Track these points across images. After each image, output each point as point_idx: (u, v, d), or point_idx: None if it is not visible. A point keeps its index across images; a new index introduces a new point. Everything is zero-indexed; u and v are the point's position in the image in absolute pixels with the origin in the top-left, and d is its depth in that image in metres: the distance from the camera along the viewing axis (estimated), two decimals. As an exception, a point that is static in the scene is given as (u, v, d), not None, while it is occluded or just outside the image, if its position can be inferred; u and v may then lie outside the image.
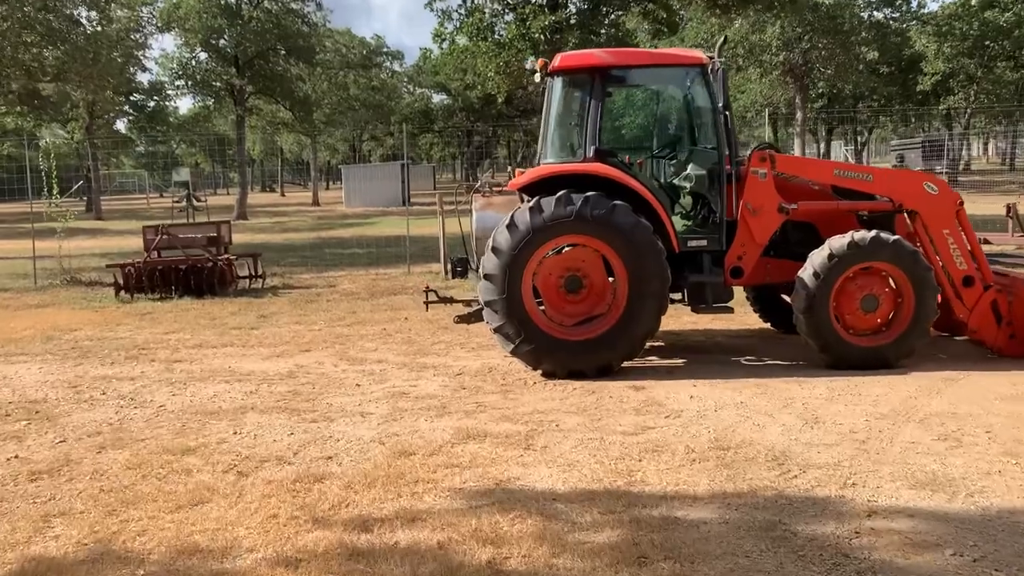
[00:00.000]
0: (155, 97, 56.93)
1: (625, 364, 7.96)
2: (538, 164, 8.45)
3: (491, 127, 59.99)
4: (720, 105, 7.97)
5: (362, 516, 4.70)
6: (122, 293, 14.02)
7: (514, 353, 7.87)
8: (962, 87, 48.65)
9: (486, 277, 7.78)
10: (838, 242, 7.73)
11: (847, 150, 66.12)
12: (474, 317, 8.68)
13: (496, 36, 22.52)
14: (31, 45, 24.47)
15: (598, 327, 7.83)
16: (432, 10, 23.65)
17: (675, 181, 8.41)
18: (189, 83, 44.47)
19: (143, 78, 51.87)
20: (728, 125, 8.00)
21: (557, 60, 8.09)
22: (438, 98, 68.44)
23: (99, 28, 32.25)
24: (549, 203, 7.64)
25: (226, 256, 14.71)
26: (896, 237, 7.80)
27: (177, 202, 35.37)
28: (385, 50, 64.99)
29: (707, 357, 8.62)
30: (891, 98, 50.40)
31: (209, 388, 7.97)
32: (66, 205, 18.94)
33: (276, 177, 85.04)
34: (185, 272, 14.16)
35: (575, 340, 7.80)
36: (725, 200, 8.07)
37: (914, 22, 47.45)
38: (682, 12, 29.91)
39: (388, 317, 11.62)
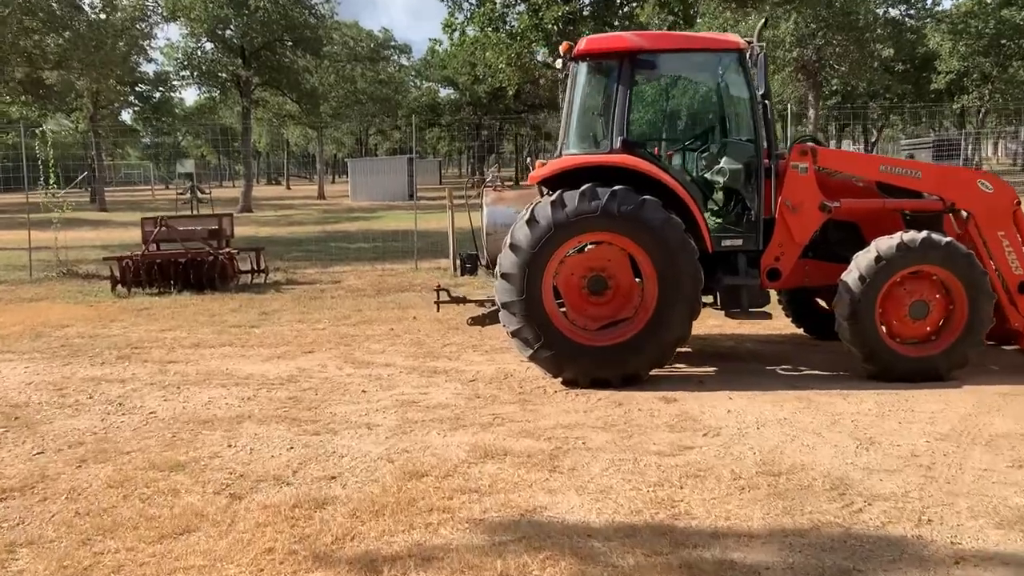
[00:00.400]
0: (160, 88, 56.48)
1: (652, 372, 7.36)
2: (559, 156, 7.85)
3: (498, 122, 59.36)
4: (759, 94, 7.36)
5: (369, 553, 4.12)
6: (119, 287, 13.45)
7: (533, 359, 7.28)
8: (976, 86, 47.86)
9: (503, 276, 7.19)
10: (886, 243, 7.12)
11: (855, 148, 65.33)
12: (488, 319, 8.08)
13: (508, 27, 21.91)
14: (32, 31, 23.90)
15: (624, 332, 7.24)
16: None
17: (707, 175, 7.79)
18: (194, 74, 43.91)
19: (148, 68, 51.45)
20: (767, 116, 7.39)
21: (583, 43, 7.48)
22: (445, 92, 67.80)
23: (103, 16, 31.74)
24: (572, 197, 7.04)
25: (227, 250, 14.14)
26: (949, 239, 7.19)
27: (181, 194, 34.88)
28: (392, 43, 64.33)
29: (739, 365, 8.02)
30: (905, 96, 49.58)
31: (204, 393, 7.39)
32: (70, 196, 18.40)
33: (282, 170, 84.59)
34: (184, 266, 13.59)
35: (599, 346, 7.21)
36: (762, 196, 7.46)
37: (928, 19, 46.66)
38: (697, 4, 29.23)
39: (395, 316, 11.03)
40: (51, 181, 16.44)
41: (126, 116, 60.09)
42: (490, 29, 22.03)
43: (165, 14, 39.38)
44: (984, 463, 5.23)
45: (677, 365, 7.91)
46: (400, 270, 15.92)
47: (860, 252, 7.24)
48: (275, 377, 7.89)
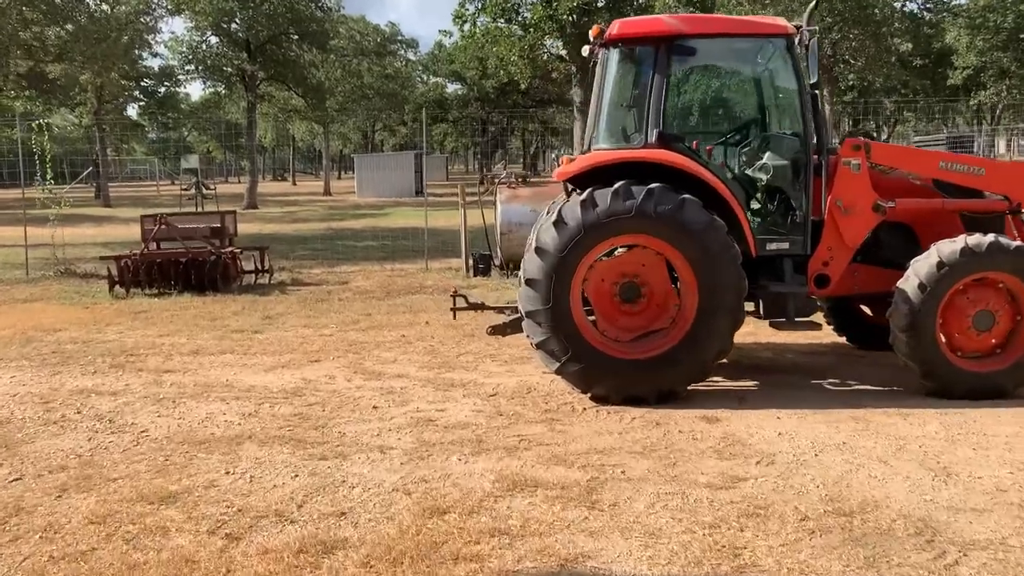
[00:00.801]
0: (166, 83, 55.89)
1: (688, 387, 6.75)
2: (586, 151, 7.23)
3: (506, 117, 58.67)
4: (808, 83, 6.72)
5: (387, 616, 3.51)
6: (117, 288, 12.87)
7: (560, 373, 6.67)
8: (994, 81, 46.98)
9: (527, 283, 6.57)
10: (948, 248, 6.48)
11: (870, 145, 64.25)
12: (510, 328, 7.47)
13: (520, 18, 21.27)
14: (33, 23, 23.33)
15: (660, 344, 6.62)
16: (454, -10, 22.40)
17: (749, 172, 7.15)
18: (199, 68, 43.32)
19: (153, 63, 50.93)
20: (817, 107, 6.75)
21: (615, 27, 6.83)
22: (452, 87, 67.12)
23: (105, 7, 31.16)
24: (604, 196, 6.42)
25: (230, 249, 13.54)
26: (1018, 243, 6.55)
27: (186, 189, 34.38)
28: (400, 38, 63.71)
29: (781, 379, 7.39)
30: (923, 92, 48.74)
31: (202, 408, 6.79)
32: (75, 192, 17.85)
33: (288, 166, 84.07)
34: (185, 266, 13.01)
35: (632, 359, 6.59)
36: (811, 196, 6.83)
37: (945, 14, 45.80)
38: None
39: (407, 321, 10.42)
40: (48, 177, 15.84)
41: (132, 111, 59.69)
42: (502, 20, 21.41)
43: (170, 7, 38.81)
44: (1083, 501, 4.61)
45: (714, 379, 7.28)
46: (410, 270, 15.31)
47: (919, 257, 6.60)
48: (279, 390, 7.29)
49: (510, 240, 13.81)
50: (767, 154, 7.06)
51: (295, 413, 6.56)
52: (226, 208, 24.65)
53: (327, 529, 4.40)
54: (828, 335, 8.68)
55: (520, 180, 14.46)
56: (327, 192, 51.92)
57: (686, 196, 6.39)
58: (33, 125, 15.62)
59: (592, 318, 6.84)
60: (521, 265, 6.74)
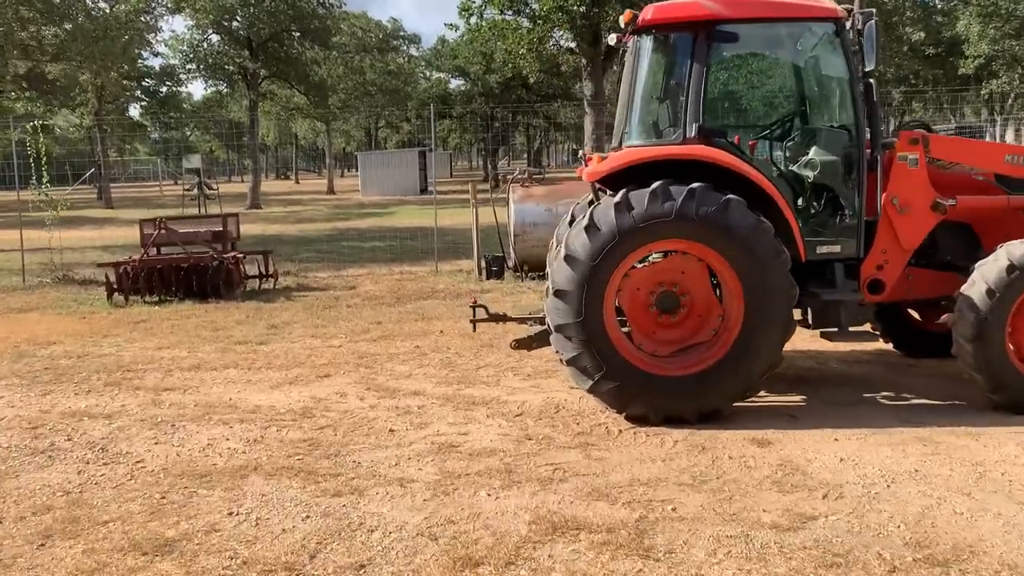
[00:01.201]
0: (167, 82, 55.35)
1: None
2: (616, 147, 6.65)
3: (510, 112, 57.99)
4: (861, 72, 6.14)
5: None
6: (115, 295, 12.33)
7: (593, 392, 6.10)
8: (1006, 70, 46.17)
9: (556, 294, 5.99)
10: (1020, 250, 5.89)
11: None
12: (536, 342, 6.89)
13: (529, 9, 20.64)
14: (29, 22, 22.78)
15: (702, 359, 6.05)
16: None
17: (796, 169, 6.57)
18: (200, 67, 42.76)
19: (155, 62, 50.43)
20: (872, 98, 6.17)
21: (648, 12, 6.25)
22: (455, 83, 66.46)
23: (104, 6, 30.63)
24: (641, 198, 5.84)
25: (233, 253, 12.98)
26: (1097, 245, 5.96)
27: (188, 190, 33.85)
28: (402, 34, 63.11)
29: (830, 392, 6.81)
30: (936, 81, 47.97)
31: (203, 433, 6.24)
32: (77, 193, 17.32)
33: (291, 164, 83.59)
34: (187, 272, 12.46)
35: (672, 376, 6.02)
36: (864, 194, 6.25)
37: (957, 2, 45.02)
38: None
39: (420, 329, 9.86)
40: (45, 180, 15.30)
41: (134, 112, 59.19)
42: (510, 12, 20.79)
43: (170, 5, 38.24)
44: None
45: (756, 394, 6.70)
46: (419, 273, 14.75)
47: (985, 260, 6.02)
48: (286, 410, 6.74)
49: (524, 241, 13.25)
50: (814, 149, 6.48)
51: (304, 438, 6.01)
52: (229, 209, 24.17)
53: (344, 586, 3.85)
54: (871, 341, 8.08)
55: (533, 177, 13.83)
56: (331, 190, 51.41)
57: (731, 196, 5.81)
58: (28, 127, 15.06)
59: (625, 329, 6.28)
60: (548, 275, 6.17)
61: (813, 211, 6.54)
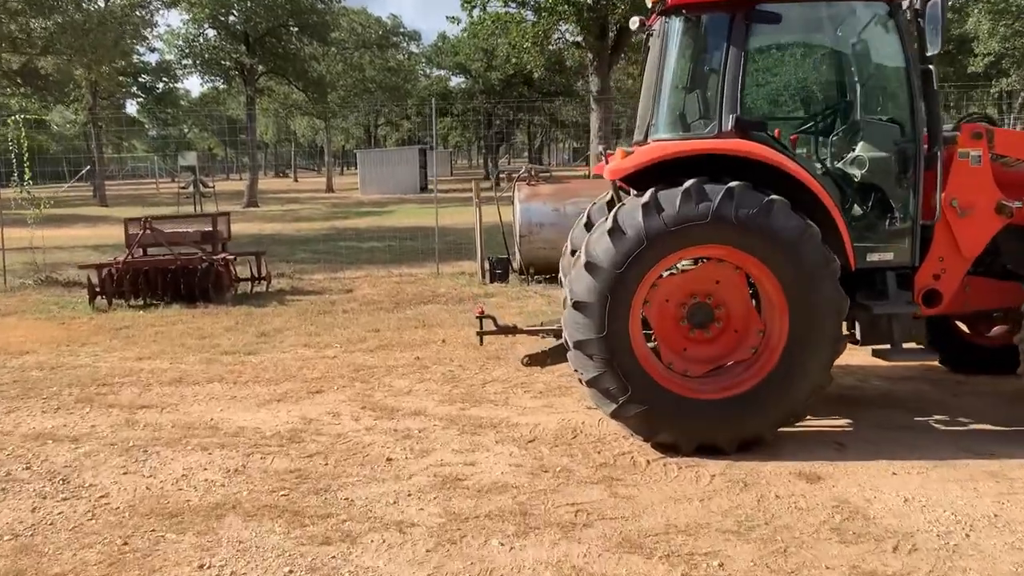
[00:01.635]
0: (164, 78, 54.61)
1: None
2: (641, 141, 5.96)
3: (512, 110, 57.30)
4: (921, 57, 5.46)
5: None
6: (98, 299, 11.65)
7: (616, 416, 5.41)
8: (1016, 68, 45.49)
9: (576, 306, 5.31)
10: (1097, 258, 5.22)
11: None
12: (551, 358, 6.19)
13: (533, 2, 19.94)
14: (17, 13, 22.08)
15: (740, 381, 5.38)
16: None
17: (843, 167, 5.88)
18: (197, 62, 42.02)
19: (151, 58, 49.72)
20: (932, 87, 5.49)
21: (679, -9, 5.56)
22: (456, 80, 65.76)
23: (101, 3, 29.93)
24: (672, 198, 5.16)
25: (223, 255, 12.29)
26: None
27: (184, 187, 33.15)
28: (402, 30, 62.34)
29: (877, 415, 6.13)
30: (945, 79, 47.29)
31: (178, 461, 5.56)
32: (74, 190, 16.63)
33: (289, 162, 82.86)
34: (173, 274, 11.77)
35: (707, 400, 5.34)
36: (919, 195, 5.57)
37: (966, -1, 44.36)
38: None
39: (420, 338, 9.17)
40: (27, 176, 14.60)
41: (131, 108, 58.48)
42: (514, 4, 20.09)
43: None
44: None
45: (797, 416, 6.02)
46: (420, 275, 14.06)
47: (1056, 269, 5.35)
48: (273, 433, 6.06)
49: (530, 242, 12.56)
50: (861, 144, 5.81)
51: (291, 469, 5.33)
52: (226, 207, 23.48)
53: (331, 671, 3.17)
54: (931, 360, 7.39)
55: (539, 175, 13.14)
56: (329, 189, 50.70)
57: (774, 197, 5.14)
58: (10, 120, 14.36)
59: (652, 344, 5.61)
60: (562, 283, 5.48)
61: (861, 214, 5.84)
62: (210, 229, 12.45)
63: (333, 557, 4.10)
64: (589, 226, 6.69)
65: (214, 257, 11.95)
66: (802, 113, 6.89)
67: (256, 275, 12.59)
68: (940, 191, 5.57)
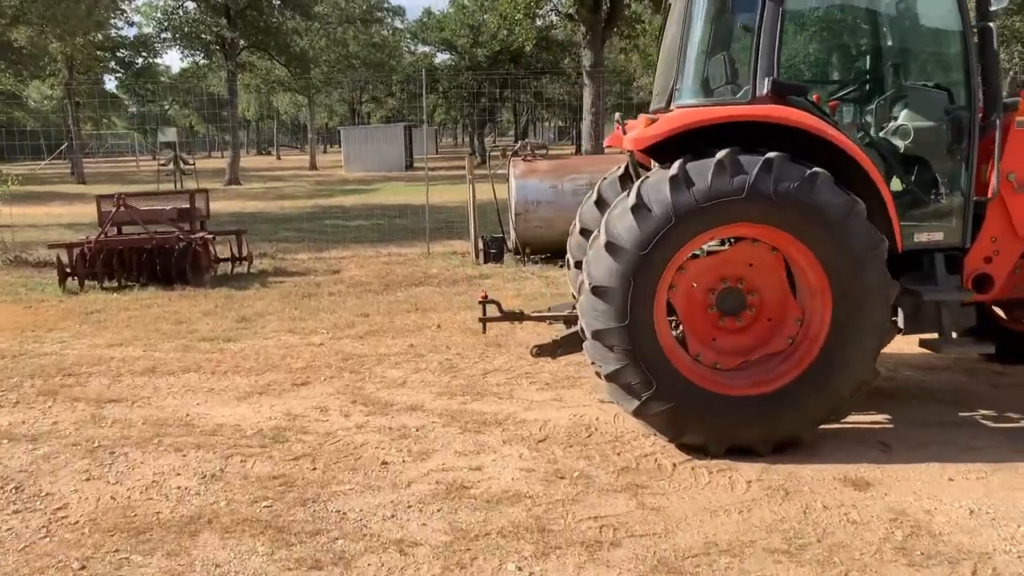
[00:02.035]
0: (143, 53, 53.26)
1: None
2: (663, 107, 5.38)
3: (498, 88, 56.39)
4: (974, 19, 4.89)
5: None
6: (68, 280, 10.97)
7: (639, 415, 4.85)
8: (1005, 47, 45.05)
9: (595, 291, 4.74)
10: None
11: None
12: (562, 347, 5.62)
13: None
14: (-15, -18, 21.09)
15: (777, 375, 4.84)
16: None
17: (887, 137, 5.32)
18: (176, 35, 40.86)
19: (130, 32, 48.43)
20: (988, 49, 4.93)
21: (709, -59, 4.95)
22: (441, 57, 64.67)
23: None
24: (703, 170, 4.59)
25: (202, 234, 11.62)
26: None
27: (164, 164, 32.25)
28: (386, 5, 61.06)
29: (917, 410, 5.61)
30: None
31: (148, 464, 4.97)
32: (51, 167, 15.84)
33: (272, 140, 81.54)
34: (150, 254, 11.11)
35: (738, 395, 4.80)
36: (972, 169, 5.03)
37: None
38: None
39: (413, 323, 8.58)
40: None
41: (111, 85, 57.08)
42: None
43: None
44: None
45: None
46: (410, 255, 13.44)
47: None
48: (254, 432, 5.48)
49: (526, 221, 11.97)
50: (904, 113, 5.25)
51: (275, 474, 4.75)
52: (207, 185, 22.68)
53: None
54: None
55: (536, 151, 12.52)
56: (313, 166, 49.82)
57: (817, 169, 4.57)
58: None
59: (676, 332, 5.07)
60: (583, 267, 4.90)
61: (905, 189, 5.30)
62: (187, 207, 11.76)
63: (324, 585, 3.54)
64: (600, 203, 6.15)
65: (192, 236, 11.28)
66: (842, 77, 6.31)
67: (237, 255, 11.93)
68: (996, 164, 5.02)
